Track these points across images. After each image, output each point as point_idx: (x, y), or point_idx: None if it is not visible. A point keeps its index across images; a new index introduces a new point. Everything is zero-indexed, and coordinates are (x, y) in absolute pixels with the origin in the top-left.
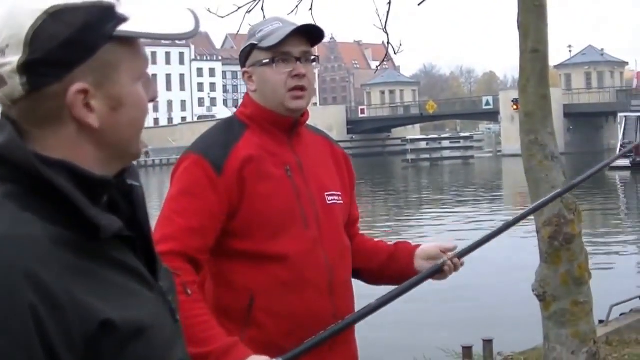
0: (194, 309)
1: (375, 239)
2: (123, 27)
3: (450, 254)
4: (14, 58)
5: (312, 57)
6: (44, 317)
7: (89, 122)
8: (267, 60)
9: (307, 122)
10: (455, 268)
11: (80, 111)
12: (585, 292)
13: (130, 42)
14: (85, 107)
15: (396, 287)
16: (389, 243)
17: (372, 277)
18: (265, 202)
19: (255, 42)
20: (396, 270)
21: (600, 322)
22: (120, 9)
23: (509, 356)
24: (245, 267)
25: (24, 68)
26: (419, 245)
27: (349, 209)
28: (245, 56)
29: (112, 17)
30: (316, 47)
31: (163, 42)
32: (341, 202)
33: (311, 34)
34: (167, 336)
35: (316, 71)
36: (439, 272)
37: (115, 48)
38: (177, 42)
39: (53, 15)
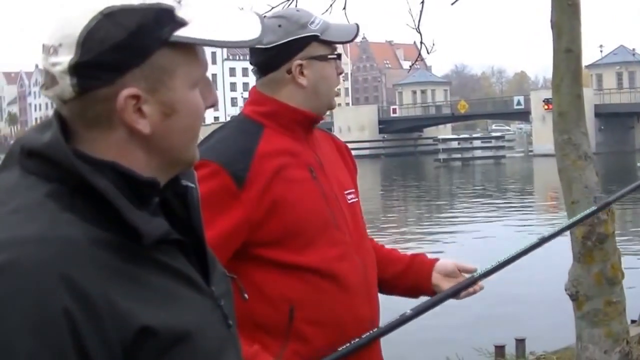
0: None
1: (386, 247)
2: (181, 32)
3: (474, 279)
4: (65, 58)
5: None
6: (79, 321)
7: (139, 128)
8: (334, 56)
9: (342, 122)
10: (474, 292)
11: (130, 116)
12: (618, 292)
13: (188, 47)
14: (137, 112)
15: (427, 299)
16: (403, 253)
17: (383, 287)
18: (295, 209)
19: (318, 34)
20: (412, 282)
21: (633, 322)
22: (181, 13)
23: (542, 355)
24: (281, 277)
25: (75, 69)
26: (436, 260)
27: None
28: (300, 47)
29: (169, 20)
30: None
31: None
32: (357, 199)
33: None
34: (216, 343)
35: (348, 71)
36: (458, 293)
37: (171, 53)
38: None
39: (108, 17)
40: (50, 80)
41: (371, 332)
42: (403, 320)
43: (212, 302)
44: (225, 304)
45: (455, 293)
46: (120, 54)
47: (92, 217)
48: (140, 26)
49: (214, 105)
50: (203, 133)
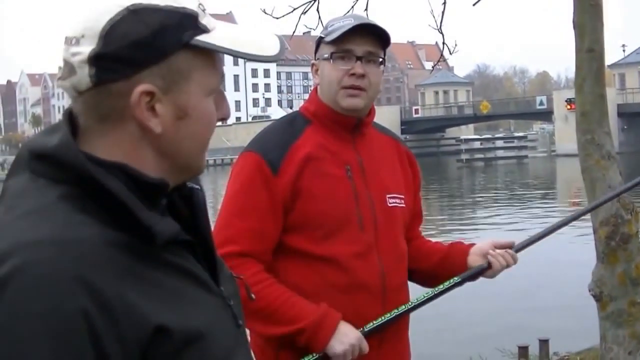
0: (273, 292)
1: (432, 240)
2: (202, 38)
3: (498, 251)
4: (86, 48)
5: (380, 59)
6: (97, 321)
7: (150, 126)
8: (327, 55)
9: None
10: (508, 264)
11: (142, 113)
12: None
13: (208, 54)
14: (149, 110)
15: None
16: (442, 244)
17: (425, 279)
18: (320, 202)
19: (323, 36)
20: (450, 269)
21: None
22: (204, 20)
23: (565, 356)
24: (297, 267)
25: (94, 60)
26: (473, 244)
27: (412, 211)
28: (315, 49)
29: (191, 25)
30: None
31: None
32: (403, 205)
33: (379, 34)
34: (227, 343)
35: None
36: (487, 269)
37: (189, 57)
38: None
39: (133, 13)
40: (68, 70)
41: (402, 307)
42: (430, 297)
43: (222, 302)
44: (234, 304)
45: (477, 274)
46: (140, 51)
47: (104, 218)
48: (163, 26)
49: (224, 118)
50: (225, 133)
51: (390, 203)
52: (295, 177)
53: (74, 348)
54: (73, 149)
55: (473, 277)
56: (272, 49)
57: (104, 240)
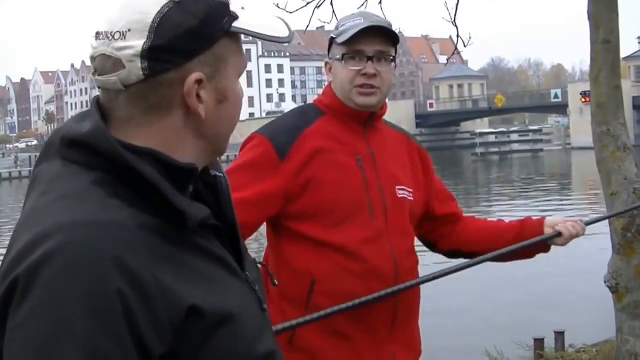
0: None
1: (490, 219)
2: (237, 24)
3: (569, 222)
4: (137, 42)
5: (391, 57)
6: (132, 302)
7: (199, 112)
8: (339, 56)
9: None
10: (577, 234)
11: (193, 100)
12: None
13: (238, 38)
14: (196, 97)
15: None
16: (510, 221)
17: (502, 257)
18: (331, 189)
19: (334, 36)
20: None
21: None
22: (232, 7)
23: (581, 348)
24: (307, 252)
25: (147, 53)
26: (544, 218)
27: (420, 206)
28: (328, 48)
29: (227, 12)
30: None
31: None
32: (411, 198)
33: (388, 32)
34: (255, 326)
35: None
36: (557, 236)
37: (228, 42)
38: (251, 39)
39: (177, 4)
40: (112, 64)
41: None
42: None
43: (248, 287)
44: (259, 289)
45: (547, 241)
46: (191, 40)
47: (136, 203)
48: (207, 15)
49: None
50: (239, 129)
51: (399, 194)
52: (303, 164)
53: (109, 328)
54: (106, 136)
55: (543, 245)
56: (284, 30)
57: (138, 223)
